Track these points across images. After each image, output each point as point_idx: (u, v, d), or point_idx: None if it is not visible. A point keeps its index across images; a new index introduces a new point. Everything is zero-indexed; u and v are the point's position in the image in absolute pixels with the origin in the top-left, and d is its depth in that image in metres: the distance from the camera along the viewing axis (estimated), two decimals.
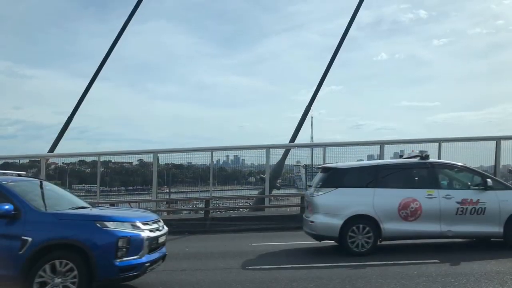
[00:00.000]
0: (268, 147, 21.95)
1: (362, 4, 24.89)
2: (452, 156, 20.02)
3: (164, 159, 23.84)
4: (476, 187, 12.21)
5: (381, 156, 20.76)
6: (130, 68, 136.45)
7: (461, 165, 13.01)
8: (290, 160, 24.22)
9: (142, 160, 26.22)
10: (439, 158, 19.61)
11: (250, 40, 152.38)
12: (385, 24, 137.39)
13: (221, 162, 25.93)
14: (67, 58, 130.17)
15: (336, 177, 12.45)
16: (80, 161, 27.11)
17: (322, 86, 24.41)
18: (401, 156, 15.81)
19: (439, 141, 20.85)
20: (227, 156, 26.08)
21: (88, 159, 25.84)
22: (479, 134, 22.09)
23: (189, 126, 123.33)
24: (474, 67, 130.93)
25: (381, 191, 11.99)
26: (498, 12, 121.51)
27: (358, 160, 19.98)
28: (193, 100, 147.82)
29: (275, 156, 22.82)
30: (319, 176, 13.11)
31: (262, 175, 22.59)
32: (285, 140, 23.74)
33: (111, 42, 25.10)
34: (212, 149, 22.36)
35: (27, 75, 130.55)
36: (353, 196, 12.06)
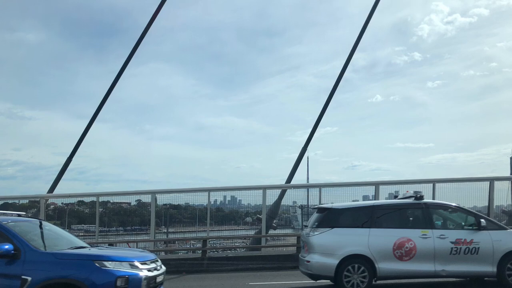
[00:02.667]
0: (264, 188, 22.08)
1: (357, 47, 25.36)
2: (446, 196, 20.20)
3: (162, 199, 23.96)
4: (470, 227, 12.38)
5: (376, 197, 20.87)
6: (129, 110, 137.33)
7: (455, 206, 13.20)
8: (286, 201, 24.27)
9: (140, 200, 26.29)
10: (433, 198, 19.73)
11: (247, 81, 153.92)
12: (380, 67, 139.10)
13: (218, 203, 26.00)
14: (66, 99, 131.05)
15: (331, 217, 12.60)
16: (79, 201, 27.12)
17: (318, 128, 24.65)
18: (396, 197, 15.99)
19: (433, 181, 21.01)
20: (224, 196, 26.14)
21: (87, 199, 25.87)
22: (473, 175, 22.33)
23: (187, 166, 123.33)
24: (467, 108, 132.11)
25: (376, 231, 12.14)
26: (491, 55, 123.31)
27: (353, 201, 20.14)
28: (191, 141, 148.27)
29: (272, 196, 22.91)
30: (315, 216, 13.27)
31: (258, 215, 22.66)
32: (281, 180, 23.89)
33: (110, 84, 25.40)
34: (209, 190, 22.51)
35: (26, 116, 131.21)
36: (348, 236, 12.20)
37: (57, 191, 24.25)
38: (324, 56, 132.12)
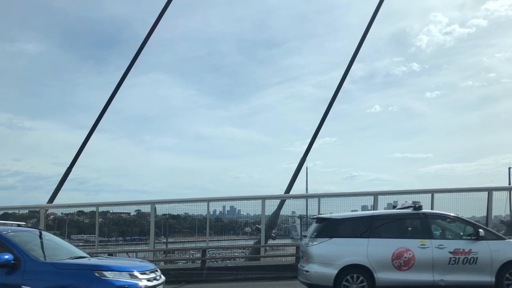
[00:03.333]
0: (263, 198, 22.09)
1: (356, 58, 25.49)
2: (445, 206, 20.31)
3: (161, 209, 24.00)
4: (468, 237, 12.42)
5: (375, 207, 20.95)
6: (128, 120, 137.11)
7: (453, 216, 13.25)
8: (285, 211, 24.36)
9: (140, 210, 26.32)
10: (432, 208, 19.82)
11: (246, 92, 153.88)
12: (378, 77, 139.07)
13: (217, 213, 26.07)
14: (66, 110, 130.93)
15: (330, 227, 12.65)
16: (78, 211, 27.19)
17: (317, 138, 24.74)
18: (394, 207, 16.03)
19: (432, 192, 21.09)
20: (223, 206, 26.20)
21: (87, 209, 25.97)
22: (471, 185, 22.40)
23: (186, 177, 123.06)
24: (466, 119, 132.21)
25: (375, 241, 12.19)
26: (490, 65, 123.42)
27: (352, 211, 20.16)
28: (190, 151, 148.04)
29: (271, 206, 22.93)
30: (314, 226, 13.31)
31: (257, 225, 22.70)
32: (280, 191, 23.91)
33: (110, 94, 25.50)
34: (208, 200, 22.52)
35: (26, 127, 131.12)
36: (347, 246, 12.24)
37: (57, 201, 24.31)
38: (323, 67, 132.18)
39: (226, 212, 27.20)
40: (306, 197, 24.03)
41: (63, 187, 24.58)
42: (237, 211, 25.96)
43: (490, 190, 21.24)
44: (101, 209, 23.60)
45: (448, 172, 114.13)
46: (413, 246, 12.03)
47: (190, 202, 23.44)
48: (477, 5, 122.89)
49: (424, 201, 19.00)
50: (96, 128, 25.27)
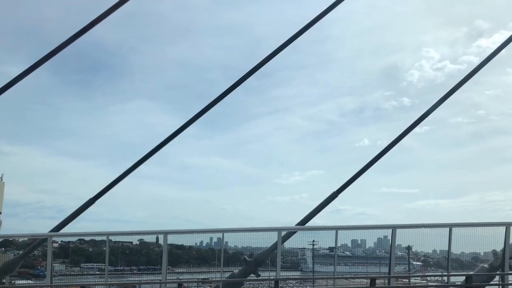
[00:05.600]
0: (280, 230, 21.69)
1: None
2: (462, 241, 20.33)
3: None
4: None
5: (392, 240, 20.83)
6: (113, 147, 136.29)
7: None
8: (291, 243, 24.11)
9: (143, 240, 26.08)
10: (449, 243, 19.94)
11: (234, 122, 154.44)
12: (368, 111, 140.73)
13: (204, 244, 26.00)
14: (47, 134, 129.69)
15: None
16: (79, 239, 26.98)
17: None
18: None
19: (450, 226, 21.09)
20: (211, 238, 25.95)
21: (87, 238, 25.78)
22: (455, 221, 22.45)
23: (169, 207, 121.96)
24: (453, 155, 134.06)
25: None
26: (479, 102, 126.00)
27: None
28: (174, 181, 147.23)
29: (264, 240, 22.59)
30: None
31: (246, 257, 22.17)
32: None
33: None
34: (223, 231, 22.24)
35: (5, 151, 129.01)
36: None
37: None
38: (313, 98, 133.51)
39: (213, 244, 26.98)
40: (323, 229, 23.62)
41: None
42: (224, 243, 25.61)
43: (508, 225, 21.23)
44: (102, 238, 23.32)
45: (433, 208, 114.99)
46: None
47: (205, 232, 23.25)
48: (469, 42, 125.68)
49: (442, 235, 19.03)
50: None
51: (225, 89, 23.07)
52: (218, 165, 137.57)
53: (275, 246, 22.21)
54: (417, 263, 36.49)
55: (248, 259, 21.83)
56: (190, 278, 25.74)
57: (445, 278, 23.27)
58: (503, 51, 23.23)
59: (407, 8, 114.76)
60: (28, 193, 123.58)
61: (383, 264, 29.13)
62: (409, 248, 28.19)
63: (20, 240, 26.29)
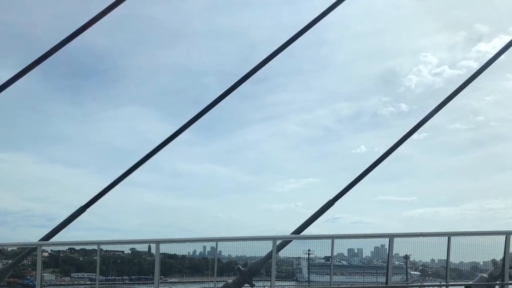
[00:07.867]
0: (274, 238, 21.35)
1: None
2: (462, 251, 19.96)
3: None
4: None
5: (390, 249, 20.48)
6: (103, 155, 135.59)
7: None
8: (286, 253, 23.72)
9: (135, 249, 25.66)
10: (448, 252, 19.56)
11: (228, 128, 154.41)
12: (365, 117, 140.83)
13: (197, 253, 25.66)
14: (38, 141, 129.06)
15: None
16: (70, 248, 26.58)
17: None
18: None
19: (448, 235, 20.76)
20: (204, 247, 25.61)
21: (77, 247, 25.32)
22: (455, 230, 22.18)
23: (162, 215, 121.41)
24: (452, 162, 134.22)
25: None
26: (479, 108, 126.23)
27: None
28: (167, 188, 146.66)
29: (258, 249, 22.13)
30: None
31: (239, 266, 21.89)
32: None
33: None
34: (217, 240, 21.93)
35: None
36: None
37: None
38: (308, 104, 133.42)
39: (206, 253, 26.62)
40: (318, 238, 23.23)
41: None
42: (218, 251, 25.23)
43: (508, 234, 20.93)
44: (93, 247, 22.87)
45: (432, 216, 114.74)
46: None
47: (197, 241, 22.81)
48: (468, 46, 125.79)
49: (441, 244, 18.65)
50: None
51: (219, 94, 22.39)
52: (212, 172, 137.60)
53: (269, 255, 21.79)
54: (415, 272, 36.19)
55: (242, 268, 21.54)
56: None
57: None
58: (503, 56, 22.76)
59: (405, 12, 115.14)
60: (18, 201, 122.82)
61: (380, 273, 28.77)
62: (407, 257, 27.81)
63: (9, 249, 25.78)
